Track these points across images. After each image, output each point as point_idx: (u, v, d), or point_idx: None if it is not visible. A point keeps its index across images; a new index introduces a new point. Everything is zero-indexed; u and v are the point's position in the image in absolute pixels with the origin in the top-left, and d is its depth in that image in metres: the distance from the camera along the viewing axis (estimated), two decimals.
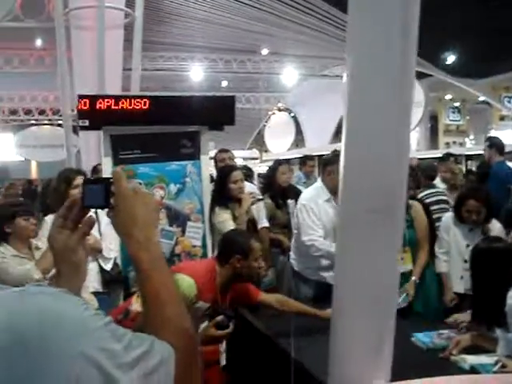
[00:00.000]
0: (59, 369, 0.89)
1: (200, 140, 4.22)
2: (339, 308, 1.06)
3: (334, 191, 4.22)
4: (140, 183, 3.96)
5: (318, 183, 4.48)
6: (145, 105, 4.22)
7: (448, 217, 4.21)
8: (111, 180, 1.19)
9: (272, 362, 3.37)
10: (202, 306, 2.86)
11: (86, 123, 4.11)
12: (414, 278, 4.18)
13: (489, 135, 5.27)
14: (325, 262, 4.24)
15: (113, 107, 4.14)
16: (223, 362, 3.39)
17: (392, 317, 1.06)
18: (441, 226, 4.26)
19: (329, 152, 4.63)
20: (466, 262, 3.83)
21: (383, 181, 1.01)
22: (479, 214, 3.95)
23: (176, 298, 1.14)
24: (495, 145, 6.21)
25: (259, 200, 4.62)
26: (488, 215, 3.99)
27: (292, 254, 4.62)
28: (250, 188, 5.03)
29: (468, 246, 3.92)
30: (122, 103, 4.20)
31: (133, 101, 4.20)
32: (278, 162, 6.14)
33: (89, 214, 1.27)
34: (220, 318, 2.75)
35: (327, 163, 4.47)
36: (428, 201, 5.22)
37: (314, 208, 4.26)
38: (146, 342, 1.01)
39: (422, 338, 3.16)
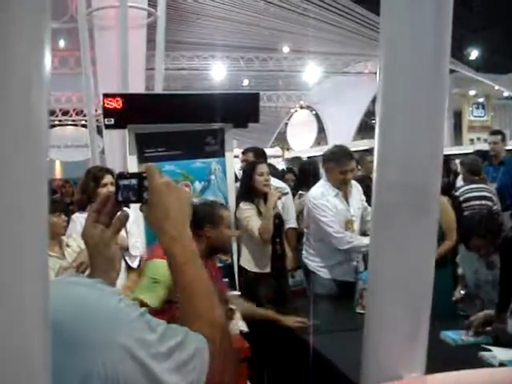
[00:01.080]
0: (95, 358, 0.91)
1: (224, 137, 4.22)
2: (374, 301, 1.06)
3: (337, 186, 4.32)
4: None
5: (323, 180, 4.49)
6: (170, 103, 4.24)
7: None
8: (144, 175, 1.21)
9: (296, 357, 3.38)
10: None
11: (112, 122, 4.13)
12: None
13: None
14: (339, 259, 4.26)
15: (138, 105, 4.17)
16: None
17: (427, 311, 1.06)
18: None
19: (355, 149, 4.64)
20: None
21: (417, 176, 1.00)
22: (487, 249, 3.70)
23: (209, 290, 1.15)
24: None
25: (285, 194, 4.61)
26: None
27: (304, 253, 4.63)
28: (278, 183, 5.04)
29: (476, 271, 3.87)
30: (148, 101, 4.22)
31: (158, 99, 4.23)
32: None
33: (122, 210, 1.29)
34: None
35: (325, 161, 4.50)
36: (468, 196, 5.18)
37: (327, 204, 4.29)
38: (180, 333, 1.03)
39: (451, 335, 3.18)
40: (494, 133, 6.86)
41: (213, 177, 4.15)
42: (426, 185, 0.98)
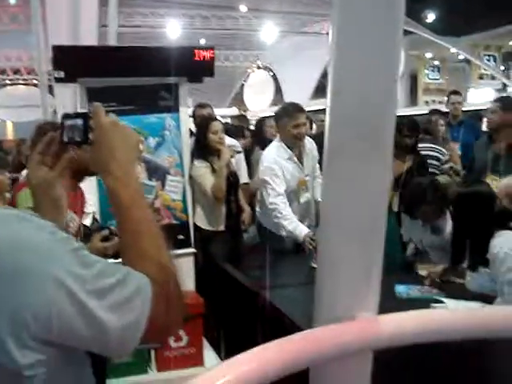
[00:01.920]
0: (26, 289, 0.88)
1: (179, 92, 4.13)
2: (325, 239, 1.03)
3: (290, 146, 4.35)
4: None
5: (277, 141, 4.48)
6: (122, 56, 4.12)
7: None
8: (90, 114, 1.16)
9: (252, 313, 3.39)
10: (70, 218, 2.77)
11: (62, 75, 3.99)
12: None
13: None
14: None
15: (89, 58, 4.04)
16: None
17: (380, 250, 1.04)
18: None
19: (309, 109, 4.63)
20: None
21: (372, 111, 0.97)
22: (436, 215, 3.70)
23: (155, 231, 1.11)
24: None
25: (238, 152, 4.59)
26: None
27: (258, 210, 4.65)
28: (231, 141, 5.01)
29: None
30: (99, 54, 4.09)
31: (110, 52, 4.10)
32: (264, 117, 6.27)
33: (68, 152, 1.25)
34: (104, 231, 2.77)
35: (277, 119, 4.50)
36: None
37: (276, 170, 4.29)
38: (120, 271, 0.99)
39: (403, 289, 3.21)
40: (456, 93, 6.93)
41: (167, 132, 4.06)
42: (380, 120, 0.95)
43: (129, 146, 1.18)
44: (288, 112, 4.43)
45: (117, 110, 4.06)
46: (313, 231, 4.09)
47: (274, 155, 4.41)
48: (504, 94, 17.07)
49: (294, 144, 4.38)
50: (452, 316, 1.09)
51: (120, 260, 1.09)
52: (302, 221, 4.30)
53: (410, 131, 4.69)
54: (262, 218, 4.60)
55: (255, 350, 0.97)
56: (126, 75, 4.01)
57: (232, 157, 4.44)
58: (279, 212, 4.24)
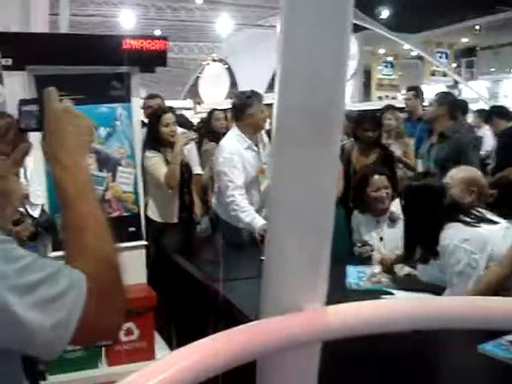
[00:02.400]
0: None
1: (130, 82, 4.05)
2: (272, 229, 1.02)
3: (249, 135, 4.36)
4: None
5: (236, 131, 4.46)
6: (73, 44, 4.01)
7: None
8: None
9: (204, 305, 3.37)
10: None
11: (10, 62, 3.87)
12: None
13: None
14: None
15: (39, 45, 3.93)
16: None
17: (328, 241, 1.02)
18: None
19: (264, 102, 4.62)
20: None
21: (320, 100, 0.95)
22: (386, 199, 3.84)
23: (100, 225, 1.06)
24: None
25: (193, 139, 4.54)
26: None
27: (214, 201, 4.62)
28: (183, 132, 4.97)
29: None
30: (49, 41, 3.98)
31: (60, 39, 4.00)
32: (213, 109, 6.23)
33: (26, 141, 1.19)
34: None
35: (238, 108, 4.51)
36: None
37: (236, 162, 4.28)
38: (50, 267, 0.93)
39: (353, 279, 3.21)
40: (408, 89, 7.08)
41: (118, 123, 3.97)
42: (328, 109, 0.94)
43: (81, 133, 1.12)
44: (248, 100, 4.42)
45: (66, 99, 3.96)
46: None
47: (234, 145, 4.38)
48: (455, 91, 17.43)
49: (253, 133, 4.36)
50: (400, 306, 1.08)
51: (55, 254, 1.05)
52: (262, 210, 4.27)
53: (371, 125, 4.75)
54: (219, 210, 4.55)
55: (197, 342, 0.95)
56: (76, 63, 3.92)
57: (186, 144, 4.39)
58: (236, 204, 4.22)
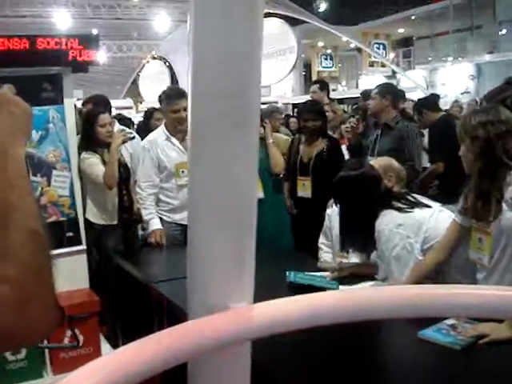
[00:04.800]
0: None
1: (62, 83, 3.95)
2: (193, 227, 0.99)
3: (172, 131, 4.32)
4: None
5: (162, 126, 4.44)
6: (1, 46, 3.89)
7: None
8: None
9: (147, 306, 3.32)
10: None
11: None
12: None
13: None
14: (173, 203, 4.28)
15: None
16: None
17: (252, 237, 1.00)
18: None
19: None
20: None
21: (234, 86, 0.92)
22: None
23: (27, 224, 0.94)
24: None
25: (131, 139, 4.46)
26: None
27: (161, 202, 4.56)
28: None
29: None
30: None
31: None
32: (154, 108, 6.15)
33: None
34: None
35: (160, 104, 4.57)
36: None
37: (150, 151, 4.29)
38: None
39: (293, 277, 3.07)
40: (314, 82, 7.34)
41: (51, 125, 3.87)
42: (244, 94, 0.91)
43: (16, 122, 1.00)
44: (166, 96, 4.39)
45: (7, 85, 3.82)
46: None
47: (153, 136, 4.42)
48: (393, 81, 17.73)
49: (174, 128, 4.30)
50: (327, 300, 1.07)
51: None
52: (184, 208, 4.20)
53: (310, 114, 4.73)
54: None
55: (123, 348, 0.92)
56: (3, 66, 3.80)
57: (124, 142, 4.30)
58: (141, 198, 4.26)
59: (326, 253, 3.63)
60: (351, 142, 5.38)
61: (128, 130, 4.85)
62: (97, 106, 4.92)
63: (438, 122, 5.91)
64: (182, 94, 4.26)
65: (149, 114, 6.49)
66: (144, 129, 6.24)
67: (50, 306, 0.96)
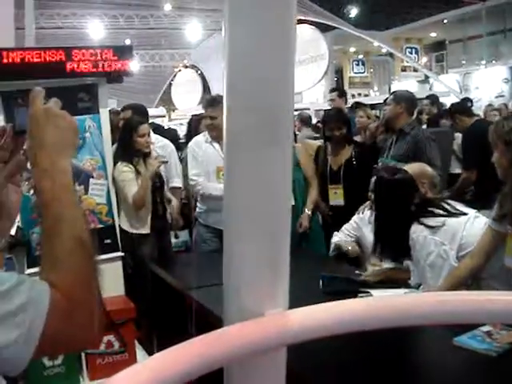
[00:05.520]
0: None
1: (98, 93, 4.03)
2: (229, 235, 1.01)
3: (212, 136, 4.47)
4: None
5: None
6: (38, 57, 3.98)
7: None
8: None
9: (183, 314, 3.35)
10: None
11: None
12: (307, 210, 4.42)
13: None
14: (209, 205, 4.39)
15: (3, 61, 3.89)
16: None
17: (286, 244, 1.02)
18: None
19: None
20: None
21: (267, 101, 0.95)
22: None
23: (74, 234, 0.99)
24: None
25: (164, 162, 4.56)
26: None
27: (199, 205, 4.64)
28: (161, 140, 5.00)
29: None
30: (14, 56, 3.94)
31: (25, 53, 3.96)
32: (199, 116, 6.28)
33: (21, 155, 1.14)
34: None
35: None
36: None
37: (197, 151, 4.50)
38: (7, 283, 0.90)
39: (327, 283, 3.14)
40: (332, 90, 7.34)
41: (88, 134, 3.95)
42: (277, 111, 0.93)
43: (61, 134, 1.06)
44: (203, 105, 4.64)
45: (54, 99, 3.91)
46: None
47: (197, 140, 4.63)
48: (426, 85, 17.58)
49: (210, 135, 4.44)
50: (362, 306, 1.08)
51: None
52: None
53: (335, 123, 4.76)
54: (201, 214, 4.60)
55: (158, 355, 0.94)
56: (43, 77, 3.89)
57: (159, 166, 4.39)
58: (197, 184, 4.43)
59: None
60: (366, 142, 5.54)
61: (166, 142, 5.00)
62: (136, 115, 4.98)
63: (471, 127, 5.84)
64: (209, 103, 4.38)
65: (195, 121, 6.58)
66: (191, 134, 6.30)
67: (96, 314, 0.99)
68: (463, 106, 6.44)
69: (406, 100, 4.87)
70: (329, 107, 7.08)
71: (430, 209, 2.88)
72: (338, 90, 7.27)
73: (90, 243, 1.02)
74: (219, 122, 4.36)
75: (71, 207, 1.01)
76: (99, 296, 1.01)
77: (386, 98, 5.78)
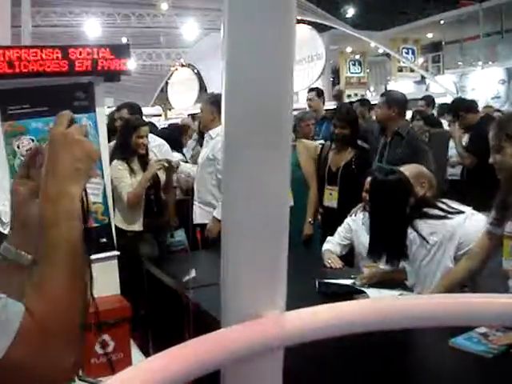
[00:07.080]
0: None
1: (94, 92, 4.01)
2: (227, 236, 1.01)
3: None
4: (32, 140, 3.74)
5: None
6: (34, 55, 3.97)
7: None
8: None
9: (178, 314, 3.35)
10: None
11: None
12: (309, 219, 4.39)
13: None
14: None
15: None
16: None
17: (284, 247, 1.02)
18: None
19: None
20: None
21: (267, 106, 0.94)
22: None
23: (68, 262, 0.96)
24: None
25: (166, 166, 4.58)
26: None
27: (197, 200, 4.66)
28: (158, 140, 5.01)
29: None
30: (9, 54, 3.93)
31: (20, 51, 3.94)
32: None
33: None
34: None
35: None
36: None
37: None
38: None
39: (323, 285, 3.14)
40: (310, 90, 7.34)
41: None
42: (276, 113, 0.93)
43: (76, 164, 1.02)
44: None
45: (30, 111, 3.90)
46: None
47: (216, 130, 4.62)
48: (423, 86, 17.59)
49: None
50: (360, 307, 1.08)
51: None
52: None
53: (339, 122, 4.67)
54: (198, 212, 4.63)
55: (154, 357, 0.93)
56: (38, 75, 3.87)
57: (159, 169, 4.38)
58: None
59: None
60: None
61: (161, 141, 5.01)
62: (132, 114, 4.99)
63: (478, 124, 5.75)
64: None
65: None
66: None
67: (73, 345, 0.94)
68: (467, 103, 6.40)
69: (398, 103, 4.76)
70: (329, 107, 7.07)
71: (426, 209, 2.88)
72: (316, 89, 7.18)
73: (84, 273, 1.00)
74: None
75: (68, 234, 0.98)
76: (77, 330, 0.96)
77: None
